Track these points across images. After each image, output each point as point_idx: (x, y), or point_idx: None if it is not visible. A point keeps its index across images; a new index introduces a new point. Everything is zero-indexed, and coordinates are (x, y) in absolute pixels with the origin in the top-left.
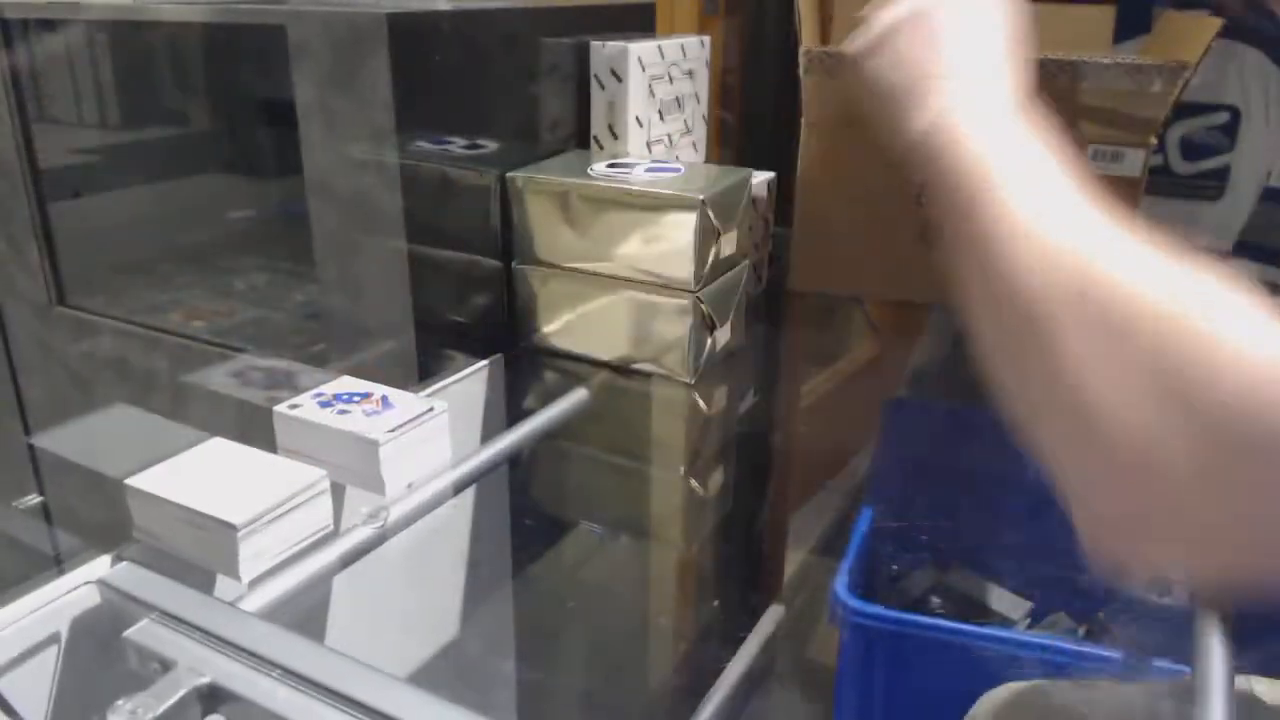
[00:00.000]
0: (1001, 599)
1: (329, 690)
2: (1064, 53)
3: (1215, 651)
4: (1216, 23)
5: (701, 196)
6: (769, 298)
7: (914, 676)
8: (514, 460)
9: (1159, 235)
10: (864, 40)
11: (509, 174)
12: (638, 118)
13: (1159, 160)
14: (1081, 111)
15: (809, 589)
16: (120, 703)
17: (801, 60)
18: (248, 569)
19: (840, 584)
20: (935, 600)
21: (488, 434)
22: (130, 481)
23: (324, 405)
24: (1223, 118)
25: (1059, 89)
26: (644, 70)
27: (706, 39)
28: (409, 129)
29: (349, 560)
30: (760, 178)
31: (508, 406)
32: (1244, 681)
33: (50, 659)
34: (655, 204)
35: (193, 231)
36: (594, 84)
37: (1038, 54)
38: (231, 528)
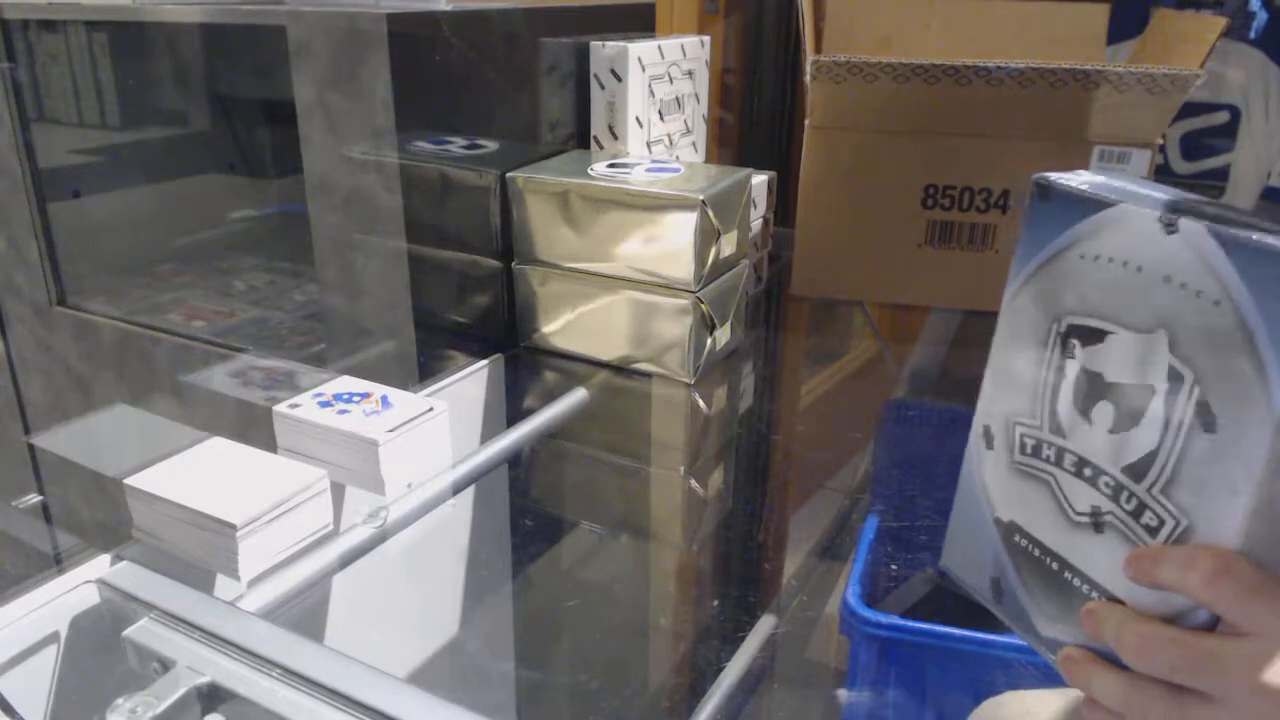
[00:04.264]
0: None
1: (328, 690)
2: (1076, 60)
3: None
4: (1220, 22)
5: (701, 196)
6: (769, 297)
7: (927, 685)
8: (513, 460)
9: None
10: None
11: (509, 174)
12: (638, 118)
13: (1159, 160)
14: (1091, 115)
15: (808, 589)
16: (120, 701)
17: (809, 67)
18: (247, 568)
19: (851, 594)
20: (936, 603)
21: (487, 434)
22: (130, 481)
23: (324, 405)
24: (1223, 117)
25: (1070, 94)
26: (644, 70)
27: (706, 39)
28: (409, 129)
29: (348, 560)
30: (760, 178)
31: (507, 406)
32: None
33: (50, 658)
34: (655, 204)
35: (193, 232)
36: (594, 84)
37: (1047, 62)
38: (231, 527)
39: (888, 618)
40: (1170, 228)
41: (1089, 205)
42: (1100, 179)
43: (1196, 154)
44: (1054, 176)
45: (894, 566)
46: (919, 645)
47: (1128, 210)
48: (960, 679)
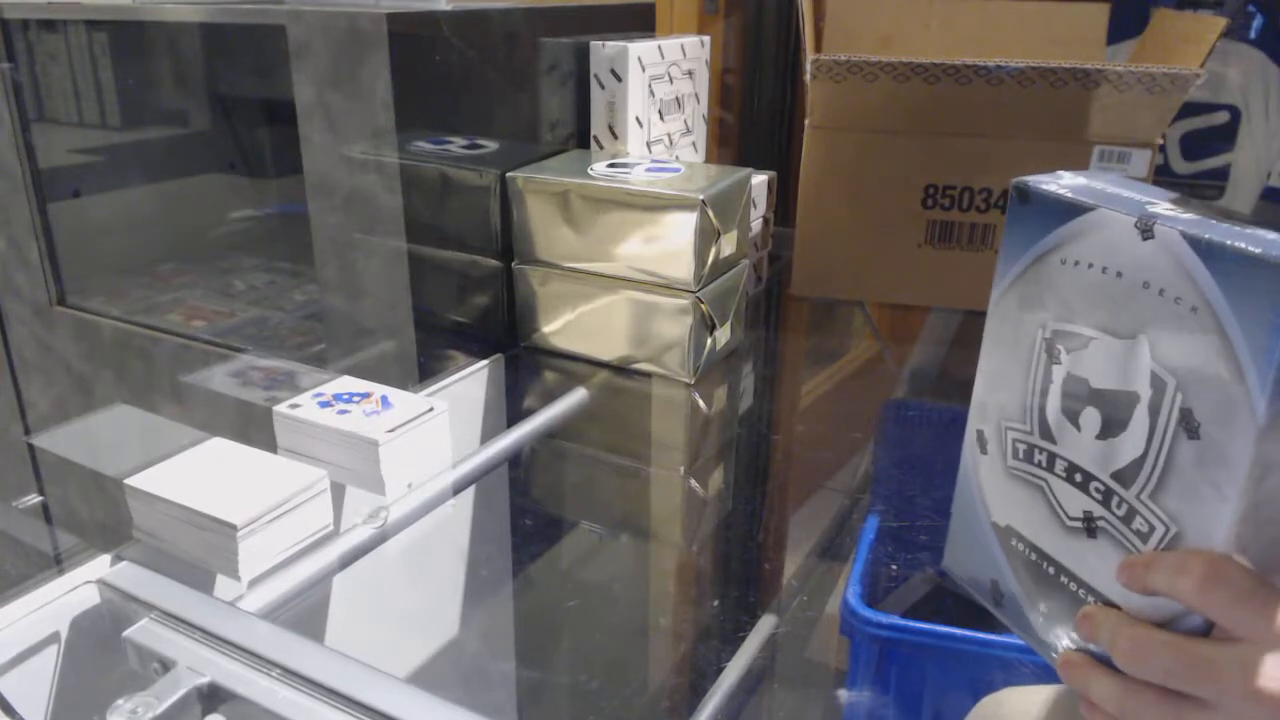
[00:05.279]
0: None
1: (329, 690)
2: (1076, 60)
3: None
4: (1220, 23)
5: (701, 196)
6: (769, 297)
7: (927, 685)
8: (514, 460)
9: None
10: None
11: (509, 174)
12: (638, 118)
13: (1159, 160)
14: (1091, 115)
15: (808, 589)
16: (120, 702)
17: (809, 66)
18: (247, 569)
19: (851, 594)
20: (936, 603)
21: (487, 434)
22: (130, 481)
23: (324, 405)
24: (1223, 117)
25: (1070, 94)
26: (644, 70)
27: (706, 39)
28: (409, 129)
29: (349, 560)
30: (760, 178)
31: (507, 406)
32: None
33: (50, 658)
34: (655, 204)
35: (193, 232)
36: (594, 84)
37: (1047, 61)
38: (231, 527)
39: (888, 618)
40: (1147, 233)
41: (1067, 209)
42: (1081, 181)
43: (1196, 154)
44: (1033, 180)
45: (894, 566)
46: (919, 645)
47: (1105, 215)
48: (960, 679)
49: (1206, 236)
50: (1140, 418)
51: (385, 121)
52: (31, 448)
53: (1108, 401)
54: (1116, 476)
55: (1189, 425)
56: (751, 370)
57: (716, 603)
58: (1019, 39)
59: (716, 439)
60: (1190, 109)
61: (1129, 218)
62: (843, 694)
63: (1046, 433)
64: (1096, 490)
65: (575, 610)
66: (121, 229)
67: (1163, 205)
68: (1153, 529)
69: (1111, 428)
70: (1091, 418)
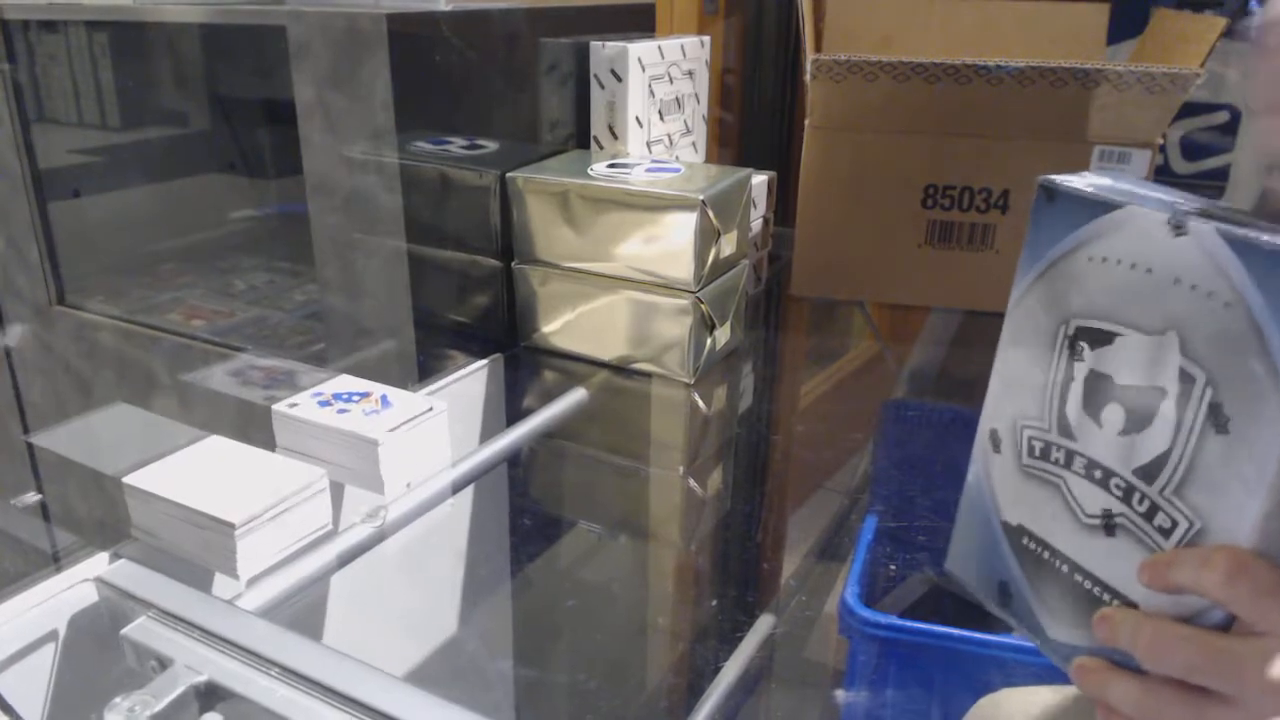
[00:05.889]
0: None
1: (327, 689)
2: (1076, 60)
3: None
4: (1220, 22)
5: (701, 196)
6: (769, 297)
7: (925, 685)
8: (513, 460)
9: None
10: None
11: (509, 174)
12: (638, 118)
13: (1159, 160)
14: (1091, 115)
15: (807, 589)
16: (118, 700)
17: (809, 66)
18: (246, 567)
19: (850, 594)
20: (934, 602)
21: (487, 433)
22: (129, 479)
23: (323, 404)
24: (1223, 117)
25: (1070, 93)
26: (644, 70)
27: (706, 39)
28: (409, 129)
29: (347, 559)
30: (760, 178)
31: (507, 406)
32: None
33: (48, 656)
34: (655, 204)
35: (193, 231)
36: (594, 84)
37: (1047, 61)
38: (230, 526)
39: (886, 617)
40: (1179, 230)
41: (1096, 207)
42: (1105, 180)
43: (1196, 154)
44: (1059, 179)
45: (892, 566)
46: (917, 645)
47: (1136, 212)
48: (959, 679)
49: (1243, 233)
50: (1166, 413)
51: (385, 121)
52: (30, 446)
53: (1132, 397)
54: (1139, 472)
55: (1218, 420)
56: (751, 370)
57: (715, 602)
58: (1019, 39)
59: (716, 439)
60: (1190, 109)
61: (1161, 214)
62: (840, 694)
63: (1066, 430)
64: (1117, 487)
65: (574, 610)
66: (121, 229)
67: (1192, 204)
68: (1175, 524)
69: (1136, 424)
70: (1114, 414)
